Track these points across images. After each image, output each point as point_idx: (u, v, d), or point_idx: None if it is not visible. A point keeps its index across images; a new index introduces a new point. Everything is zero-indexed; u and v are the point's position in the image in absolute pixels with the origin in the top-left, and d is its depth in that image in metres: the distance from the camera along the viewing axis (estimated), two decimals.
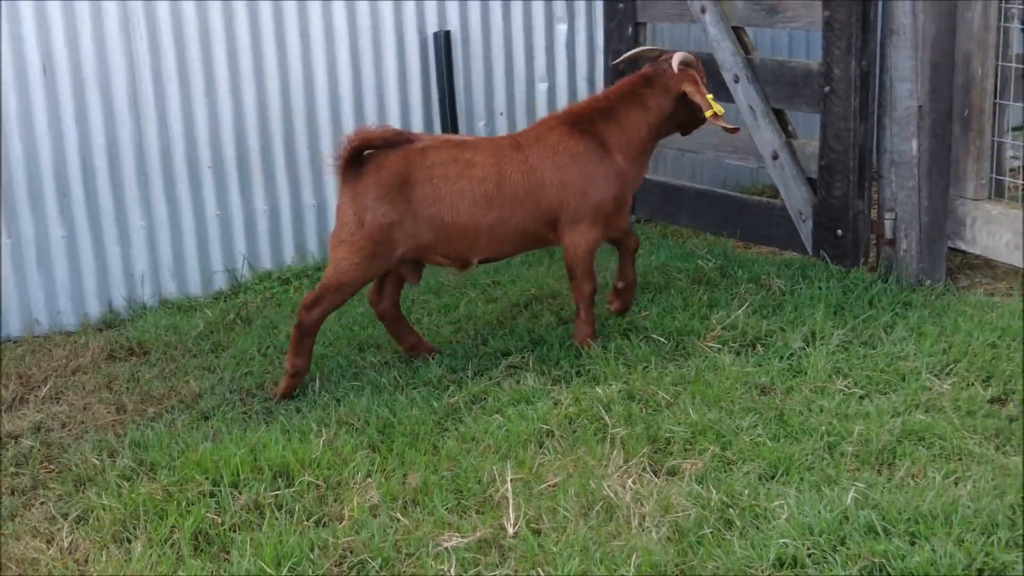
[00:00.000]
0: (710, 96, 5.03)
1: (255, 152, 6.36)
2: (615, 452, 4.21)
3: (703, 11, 6.22)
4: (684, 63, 5.08)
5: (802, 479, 3.94)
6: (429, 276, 6.27)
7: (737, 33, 6.16)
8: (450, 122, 6.64)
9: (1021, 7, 5.49)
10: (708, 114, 5.00)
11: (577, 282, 5.10)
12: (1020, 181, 5.69)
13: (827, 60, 5.66)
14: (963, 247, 5.65)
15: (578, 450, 4.26)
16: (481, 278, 6.20)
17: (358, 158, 4.90)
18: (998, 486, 3.78)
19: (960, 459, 4.02)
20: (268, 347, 5.50)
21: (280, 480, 4.18)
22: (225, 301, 6.22)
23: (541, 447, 4.32)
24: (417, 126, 6.69)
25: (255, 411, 4.84)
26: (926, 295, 5.48)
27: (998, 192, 5.66)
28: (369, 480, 4.14)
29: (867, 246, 5.82)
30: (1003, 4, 5.35)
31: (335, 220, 5.01)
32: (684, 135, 5.43)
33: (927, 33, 5.39)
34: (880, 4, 5.56)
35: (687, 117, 5.19)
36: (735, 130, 5.13)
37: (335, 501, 4.05)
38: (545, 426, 4.43)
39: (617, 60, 5.73)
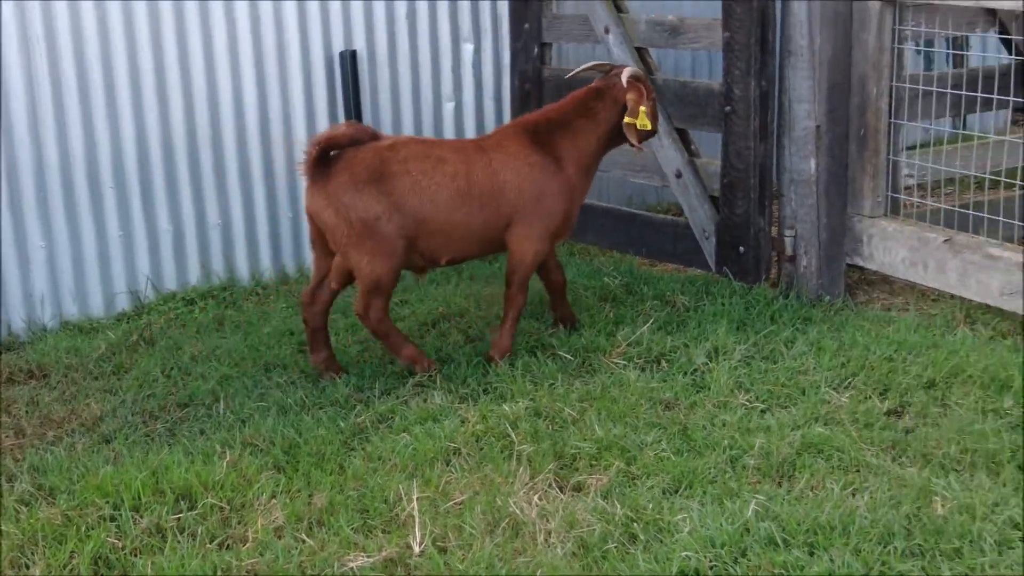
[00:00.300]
0: (643, 109, 5.18)
1: (158, 171, 6.28)
2: (521, 469, 4.23)
3: (607, 31, 6.30)
4: (633, 77, 5.23)
5: (705, 492, 4.00)
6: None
7: (641, 53, 6.25)
8: None
9: (915, 28, 5.65)
10: (627, 119, 5.18)
11: (513, 291, 5.22)
12: (915, 199, 5.83)
13: (728, 81, 5.77)
14: (861, 263, 5.78)
15: (485, 467, 4.27)
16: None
17: (325, 160, 4.95)
18: (894, 496, 3.87)
19: (858, 471, 4.11)
20: (172, 368, 5.43)
21: (183, 503, 4.12)
22: (128, 322, 6.12)
23: (448, 465, 4.33)
24: None
25: (158, 433, 4.77)
26: (825, 310, 5.60)
27: (894, 210, 5.81)
28: (274, 501, 4.10)
29: (768, 263, 5.93)
30: (897, 26, 5.50)
31: (316, 223, 5.02)
32: (632, 145, 5.46)
33: (824, 55, 5.52)
34: (778, 26, 5.68)
35: None
36: (638, 149, 5.32)
37: (239, 523, 4.01)
38: (452, 444, 4.44)
39: (571, 74, 5.78)
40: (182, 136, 6.31)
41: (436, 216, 5.02)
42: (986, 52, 8.21)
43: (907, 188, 6.07)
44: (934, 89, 5.65)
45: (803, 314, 5.53)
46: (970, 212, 5.55)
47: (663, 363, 5.10)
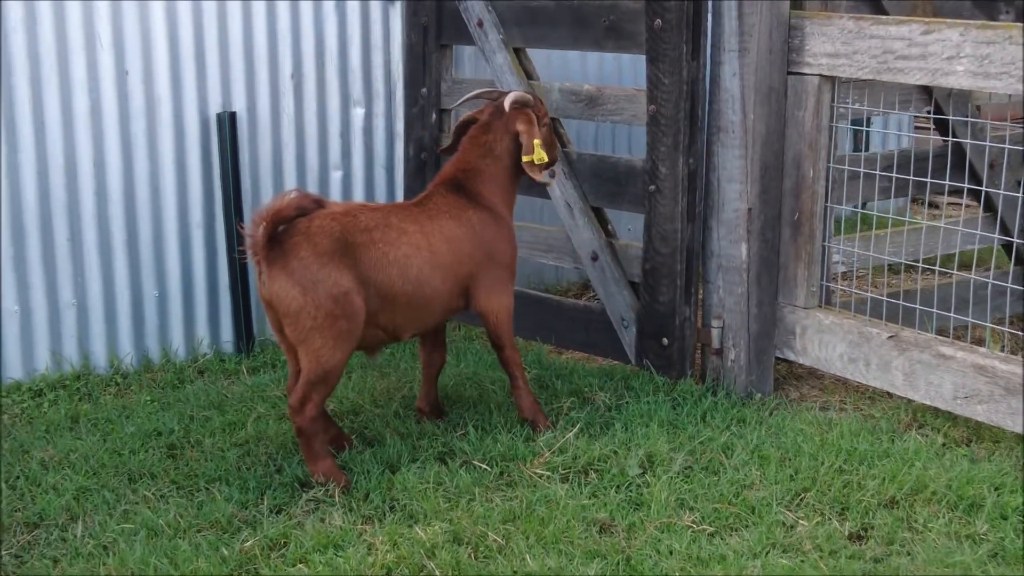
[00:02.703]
0: (537, 142, 4.77)
1: (4, 243, 5.48)
2: None
3: None
4: (519, 103, 4.84)
5: None
6: (210, 389, 5.52)
7: (553, 124, 5.72)
8: (234, 213, 5.92)
9: (853, 107, 5.27)
10: (525, 159, 4.77)
11: (507, 351, 4.91)
12: (852, 288, 5.42)
13: (652, 157, 5.28)
14: (792, 357, 5.32)
15: None
16: (271, 388, 5.49)
17: (275, 237, 4.38)
18: None
19: None
20: (18, 477, 4.62)
21: None
22: None
23: None
24: (196, 218, 5.94)
25: (3, 563, 3.97)
26: (758, 409, 5.11)
27: (826, 300, 5.38)
28: None
29: (693, 356, 5.42)
30: (835, 104, 5.10)
31: (278, 309, 4.39)
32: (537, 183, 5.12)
33: (757, 132, 5.08)
34: (707, 100, 5.23)
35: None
36: (548, 183, 5.07)
37: None
38: None
39: (456, 103, 5.40)
40: (34, 208, 5.52)
41: (406, 290, 4.56)
42: (900, 132, 7.96)
43: (844, 276, 5.66)
44: (877, 172, 5.27)
45: (736, 414, 5.03)
46: (917, 306, 5.14)
47: (592, 474, 4.52)
